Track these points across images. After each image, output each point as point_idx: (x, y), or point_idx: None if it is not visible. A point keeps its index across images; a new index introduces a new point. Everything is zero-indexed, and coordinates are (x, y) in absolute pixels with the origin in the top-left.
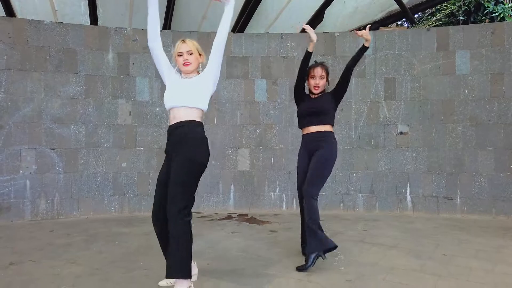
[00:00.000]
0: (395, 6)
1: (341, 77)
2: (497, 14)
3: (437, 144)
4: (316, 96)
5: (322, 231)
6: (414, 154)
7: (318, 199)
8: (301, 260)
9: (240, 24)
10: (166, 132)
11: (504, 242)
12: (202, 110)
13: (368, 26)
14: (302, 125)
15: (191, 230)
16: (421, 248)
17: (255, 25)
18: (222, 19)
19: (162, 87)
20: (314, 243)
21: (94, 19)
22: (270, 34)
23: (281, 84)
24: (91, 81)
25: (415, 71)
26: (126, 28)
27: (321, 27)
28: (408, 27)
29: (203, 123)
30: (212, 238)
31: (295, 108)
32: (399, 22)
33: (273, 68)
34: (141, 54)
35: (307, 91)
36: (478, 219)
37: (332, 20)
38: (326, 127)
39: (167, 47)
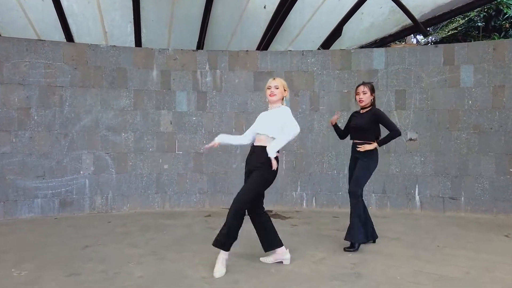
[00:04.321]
0: (409, 21)
1: (383, 121)
2: None
3: (443, 150)
4: (363, 112)
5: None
6: (422, 159)
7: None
8: (315, 249)
9: (266, 40)
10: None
11: (495, 236)
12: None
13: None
14: (350, 137)
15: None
16: (419, 240)
17: (280, 40)
18: (286, 136)
19: (198, 100)
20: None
21: (138, 39)
22: (292, 52)
23: (302, 96)
24: (139, 95)
25: (424, 84)
26: (168, 49)
27: (340, 41)
28: (417, 42)
29: None
30: (244, 228)
31: (315, 116)
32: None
33: (295, 81)
34: (180, 71)
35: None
36: (480, 217)
37: (350, 34)
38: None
39: (203, 64)
